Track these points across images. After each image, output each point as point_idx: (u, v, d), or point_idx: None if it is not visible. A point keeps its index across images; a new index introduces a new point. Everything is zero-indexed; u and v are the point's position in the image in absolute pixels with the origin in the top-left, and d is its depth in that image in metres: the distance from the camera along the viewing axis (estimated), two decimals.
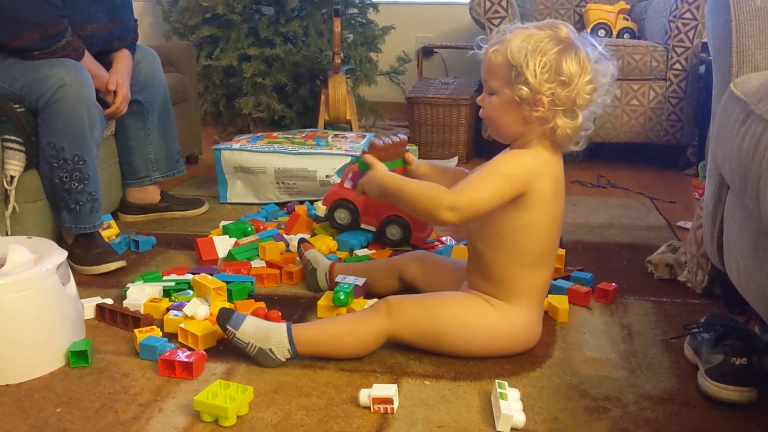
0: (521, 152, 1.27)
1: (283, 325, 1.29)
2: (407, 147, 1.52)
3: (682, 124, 2.82)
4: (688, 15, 2.74)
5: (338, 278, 1.54)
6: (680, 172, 2.83)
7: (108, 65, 1.96)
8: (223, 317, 1.28)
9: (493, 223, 1.29)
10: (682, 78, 2.79)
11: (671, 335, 1.41)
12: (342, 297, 1.46)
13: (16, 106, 1.74)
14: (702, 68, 2.82)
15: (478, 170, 1.28)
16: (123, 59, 2.00)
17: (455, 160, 2.94)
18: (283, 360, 1.28)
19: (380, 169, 1.36)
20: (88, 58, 1.85)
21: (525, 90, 1.20)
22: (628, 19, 3.14)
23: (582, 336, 1.43)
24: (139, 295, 1.55)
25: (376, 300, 1.46)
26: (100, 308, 1.50)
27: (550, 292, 1.49)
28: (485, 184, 1.24)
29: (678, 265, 1.71)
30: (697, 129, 2.86)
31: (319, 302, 1.51)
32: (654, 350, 1.37)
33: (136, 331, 1.37)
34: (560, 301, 1.51)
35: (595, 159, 2.96)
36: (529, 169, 1.25)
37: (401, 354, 1.33)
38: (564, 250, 1.76)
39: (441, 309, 1.30)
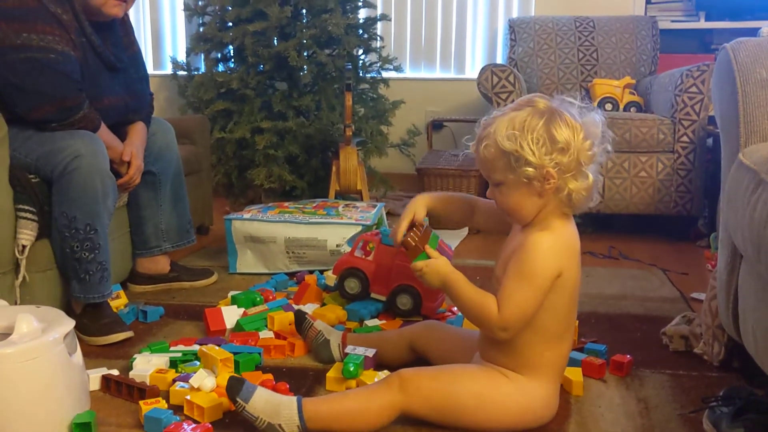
0: (546, 240, 1.24)
1: (293, 400, 1.25)
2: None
3: (691, 195, 2.82)
4: (693, 89, 2.79)
5: (348, 349, 1.51)
6: (692, 243, 2.82)
7: (123, 136, 2.00)
8: (234, 388, 1.25)
9: None
10: (690, 150, 2.81)
11: (689, 409, 1.37)
12: (352, 369, 1.43)
13: (31, 176, 1.76)
14: (710, 141, 2.85)
15: (513, 271, 1.24)
16: (138, 131, 2.04)
17: (465, 231, 2.95)
18: None
19: (444, 262, 1.32)
20: (103, 130, 1.88)
21: (530, 170, 1.20)
22: (634, 94, 3.20)
23: (598, 410, 1.39)
24: (146, 365, 1.52)
25: (387, 372, 1.44)
26: (105, 379, 1.48)
27: None
28: (527, 294, 1.22)
29: (693, 336, 1.67)
30: (707, 200, 2.86)
31: (328, 374, 1.48)
32: (672, 425, 1.33)
33: (141, 402, 1.35)
34: (574, 374, 1.47)
35: (606, 230, 2.95)
36: (560, 257, 1.24)
37: (413, 428, 1.29)
38: (577, 321, 1.73)
39: (456, 383, 1.27)
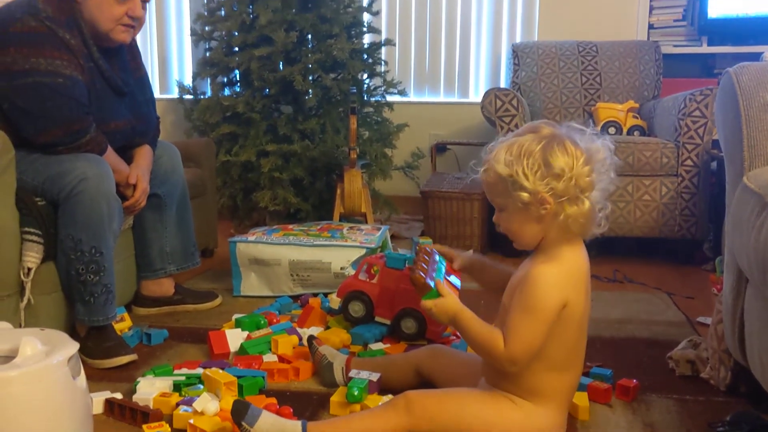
0: (551, 272, 1.23)
1: (298, 424, 1.25)
2: (421, 240, 1.52)
3: (696, 219, 2.82)
4: (697, 113, 2.80)
5: (352, 373, 1.51)
6: (697, 267, 2.81)
7: (129, 160, 2.02)
8: (239, 412, 1.24)
9: None
10: (693, 174, 2.81)
11: None
12: (356, 393, 1.42)
13: (38, 199, 1.77)
14: (714, 164, 2.85)
15: (518, 304, 1.24)
16: (144, 154, 2.06)
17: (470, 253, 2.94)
18: None
19: (452, 300, 1.32)
20: (110, 153, 1.90)
21: (525, 195, 1.22)
22: (637, 117, 3.21)
23: None
24: (150, 389, 1.52)
25: (392, 396, 1.43)
26: (109, 402, 1.47)
27: None
28: (532, 328, 1.21)
29: (700, 361, 1.66)
30: (712, 224, 2.86)
31: (332, 398, 1.48)
32: None
33: (144, 426, 1.34)
34: (580, 398, 1.46)
35: (610, 253, 2.95)
36: (564, 288, 1.23)
37: None
38: None
39: (463, 406, 1.27)
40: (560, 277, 1.23)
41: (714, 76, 3.50)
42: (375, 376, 1.49)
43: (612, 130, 3.15)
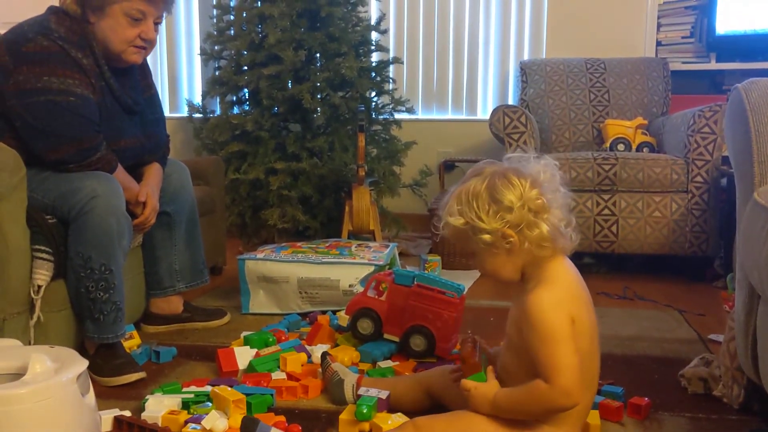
0: (544, 297, 1.23)
1: None
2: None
3: (707, 235, 2.81)
4: (706, 129, 2.79)
5: (361, 391, 1.50)
6: (708, 284, 2.79)
7: (139, 177, 2.03)
8: (248, 429, 1.24)
9: (524, 359, 1.25)
10: (704, 190, 2.80)
11: None
12: (365, 411, 1.41)
13: (48, 216, 1.78)
14: (724, 180, 2.84)
15: (534, 342, 1.22)
16: (153, 172, 2.07)
17: (477, 272, 2.93)
18: None
19: (492, 387, 1.29)
20: (120, 171, 1.91)
21: (486, 236, 1.25)
22: (646, 134, 3.21)
23: None
24: (158, 407, 1.52)
25: (401, 416, 1.43)
26: (117, 420, 1.47)
27: None
28: (562, 352, 1.19)
29: (712, 379, 1.64)
30: (723, 241, 2.84)
31: (341, 417, 1.47)
32: None
33: None
34: (592, 417, 1.44)
35: (620, 271, 2.93)
36: (564, 305, 1.22)
37: None
38: None
39: (472, 430, 1.25)
40: (557, 296, 1.23)
41: (723, 93, 3.49)
42: (384, 394, 1.48)
43: (621, 146, 3.15)
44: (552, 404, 1.20)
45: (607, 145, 3.18)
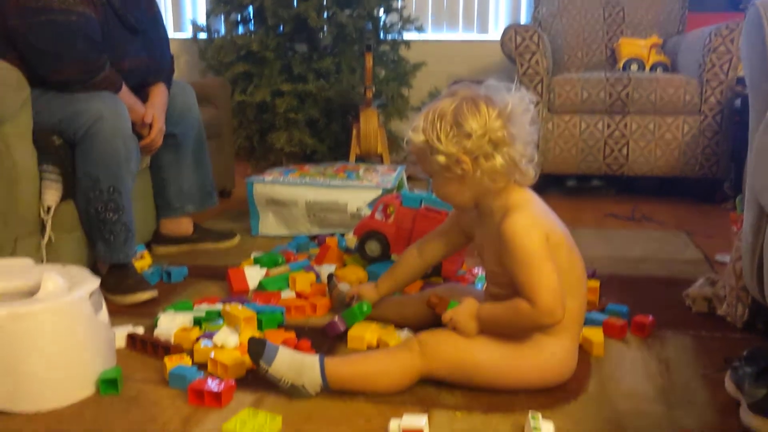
0: (517, 219, 1.24)
1: (315, 360, 1.27)
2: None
3: (717, 158, 2.78)
4: (722, 48, 2.72)
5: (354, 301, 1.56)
6: (717, 206, 2.78)
7: (144, 99, 2.01)
8: (256, 351, 1.26)
9: (513, 288, 1.27)
10: (717, 111, 2.75)
11: (711, 369, 1.37)
12: (365, 308, 1.50)
13: (55, 137, 1.78)
14: (738, 102, 2.79)
15: (514, 265, 1.23)
16: (159, 93, 2.04)
17: None
18: (314, 394, 1.27)
19: (469, 303, 1.31)
20: (125, 92, 1.89)
21: (441, 157, 1.25)
22: (661, 53, 3.13)
23: (618, 370, 1.39)
24: (170, 324, 1.55)
25: (408, 333, 1.46)
26: (131, 337, 1.50)
27: (584, 325, 1.45)
28: (542, 272, 1.21)
29: (717, 298, 1.66)
30: (734, 163, 2.81)
31: (350, 332, 1.50)
32: (693, 385, 1.32)
33: (165, 359, 1.37)
34: (595, 334, 1.47)
35: (629, 192, 2.92)
36: (537, 223, 1.25)
37: (432, 385, 1.31)
38: (598, 283, 1.72)
39: (475, 344, 1.28)
40: (529, 218, 1.25)
41: (741, 11, 3.39)
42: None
43: (634, 66, 3.08)
44: (536, 323, 1.24)
45: (620, 65, 3.12)
